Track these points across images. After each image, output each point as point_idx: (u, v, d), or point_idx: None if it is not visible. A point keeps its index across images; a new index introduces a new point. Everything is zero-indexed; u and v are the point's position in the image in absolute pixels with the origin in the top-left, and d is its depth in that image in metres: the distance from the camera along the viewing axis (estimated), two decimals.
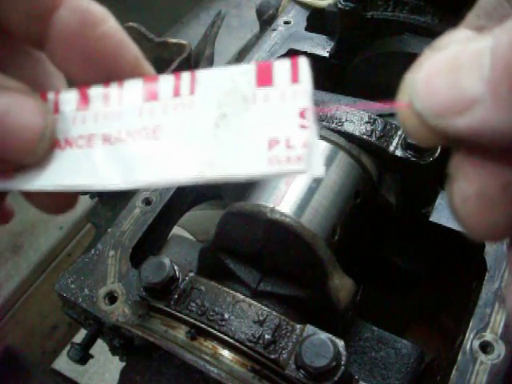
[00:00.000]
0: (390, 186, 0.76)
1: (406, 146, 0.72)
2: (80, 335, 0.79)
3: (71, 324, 1.60)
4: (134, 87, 0.35)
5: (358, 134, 0.74)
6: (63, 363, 1.62)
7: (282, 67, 0.33)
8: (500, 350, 0.63)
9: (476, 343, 0.64)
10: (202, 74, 0.34)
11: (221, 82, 0.33)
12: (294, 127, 0.31)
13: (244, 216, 0.66)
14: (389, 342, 0.72)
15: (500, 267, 0.69)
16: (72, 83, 0.38)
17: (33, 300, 1.81)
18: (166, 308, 0.63)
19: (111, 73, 0.37)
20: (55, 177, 0.35)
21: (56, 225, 1.95)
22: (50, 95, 0.37)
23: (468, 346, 0.63)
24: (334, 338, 0.56)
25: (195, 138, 0.33)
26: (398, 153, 0.73)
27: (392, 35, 0.96)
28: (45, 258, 1.87)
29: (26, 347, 1.73)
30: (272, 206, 0.65)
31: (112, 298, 0.74)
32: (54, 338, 1.79)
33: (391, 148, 0.73)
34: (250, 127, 0.32)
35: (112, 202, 0.94)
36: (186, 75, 0.35)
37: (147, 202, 0.84)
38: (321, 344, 0.55)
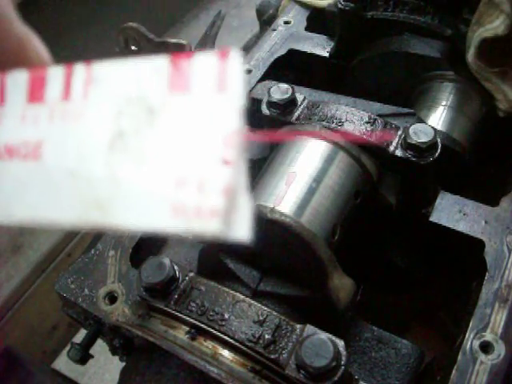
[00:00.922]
0: (390, 186, 0.76)
1: (406, 146, 0.72)
2: (80, 335, 0.79)
3: (71, 324, 1.59)
4: (17, 82, 0.28)
5: (358, 134, 0.74)
6: (63, 363, 1.62)
7: (205, 66, 0.24)
8: (500, 349, 0.63)
9: (476, 343, 0.64)
10: (101, 69, 0.26)
11: (123, 83, 0.26)
12: (213, 162, 0.22)
13: None
14: (389, 342, 0.72)
15: (500, 267, 0.69)
16: None
17: (33, 300, 1.80)
18: (165, 308, 0.63)
19: None
20: None
21: None
22: None
23: (468, 346, 0.63)
24: (334, 337, 0.56)
25: (83, 165, 0.25)
26: (398, 153, 0.73)
27: (392, 35, 0.96)
28: (45, 258, 1.87)
29: (26, 347, 1.73)
30: (272, 206, 0.65)
31: (112, 297, 0.74)
32: (53, 338, 1.78)
33: (391, 148, 0.73)
34: (153, 153, 0.24)
35: None
36: (80, 69, 0.27)
37: None
38: (321, 344, 0.55)
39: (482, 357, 0.63)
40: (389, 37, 0.96)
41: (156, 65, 0.25)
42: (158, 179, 0.23)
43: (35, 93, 0.27)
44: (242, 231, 0.22)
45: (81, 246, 1.89)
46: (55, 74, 0.27)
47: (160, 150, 0.24)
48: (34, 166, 0.26)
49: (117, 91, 0.26)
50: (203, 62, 0.24)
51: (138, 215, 0.23)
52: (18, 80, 0.28)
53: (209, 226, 0.21)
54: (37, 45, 0.30)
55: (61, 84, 0.27)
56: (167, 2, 2.61)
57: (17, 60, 0.29)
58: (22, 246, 1.91)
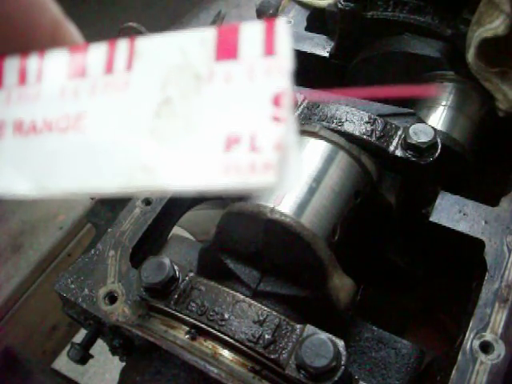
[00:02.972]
0: (390, 186, 0.76)
1: (406, 146, 0.72)
2: (80, 335, 0.79)
3: (71, 324, 1.59)
4: (57, 60, 0.28)
5: (357, 133, 0.74)
6: (63, 363, 1.62)
7: (252, 33, 0.24)
8: (500, 349, 0.63)
9: (476, 343, 0.64)
10: (145, 42, 0.27)
11: (167, 54, 0.26)
12: (264, 120, 0.23)
13: (244, 216, 0.66)
14: (389, 342, 0.72)
15: (500, 267, 0.69)
16: None
17: (33, 300, 1.80)
18: (165, 308, 0.63)
19: (22, 42, 0.29)
20: None
21: (56, 225, 1.95)
22: None
23: (468, 346, 0.63)
24: (334, 337, 0.56)
25: (128, 132, 0.25)
26: (398, 153, 0.73)
27: (392, 35, 0.96)
28: (45, 257, 1.87)
29: (26, 347, 1.73)
30: (272, 206, 0.65)
31: (112, 297, 0.74)
32: (53, 338, 1.78)
33: (391, 148, 0.73)
34: (201, 117, 0.24)
35: (112, 202, 0.94)
36: (123, 45, 0.27)
37: (147, 202, 0.84)
38: (321, 344, 0.55)
39: (481, 357, 0.63)
40: (389, 37, 0.96)
41: (201, 35, 0.25)
42: (207, 141, 0.24)
43: (75, 69, 0.27)
44: (294, 182, 0.23)
45: (81, 245, 1.89)
46: (97, 49, 0.27)
47: (209, 114, 0.24)
48: (76, 138, 0.26)
49: (162, 62, 0.26)
50: (249, 30, 0.24)
51: (188, 175, 0.24)
52: (56, 58, 0.28)
53: (263, 180, 0.22)
54: (70, 26, 0.31)
55: (103, 59, 0.27)
56: (167, 2, 2.61)
57: (52, 40, 0.30)
58: (22, 246, 1.91)
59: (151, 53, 0.26)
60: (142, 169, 0.25)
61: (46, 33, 0.30)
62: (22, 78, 0.28)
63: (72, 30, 0.31)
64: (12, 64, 0.28)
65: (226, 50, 0.24)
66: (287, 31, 0.24)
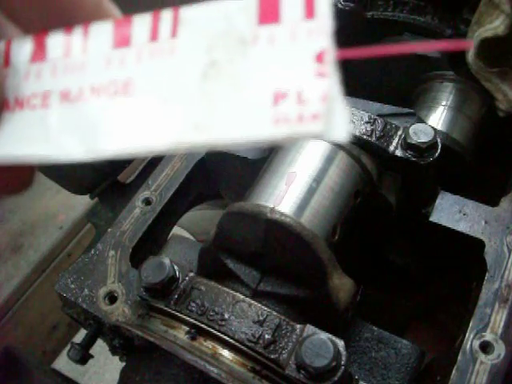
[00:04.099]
0: (389, 186, 0.76)
1: (406, 145, 0.72)
2: (80, 335, 0.79)
3: (71, 324, 1.60)
4: (101, 32, 0.29)
5: (358, 133, 0.74)
6: (63, 363, 1.62)
7: None
8: (500, 349, 0.63)
9: (476, 343, 0.64)
10: (188, 12, 0.27)
11: (212, 22, 0.27)
12: (309, 75, 0.24)
13: (244, 216, 0.66)
14: (389, 342, 0.72)
15: (500, 267, 0.69)
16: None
17: (33, 300, 1.81)
18: (165, 308, 0.63)
19: (66, 17, 0.31)
20: (3, 146, 0.29)
21: (56, 225, 1.95)
22: (1, 46, 0.30)
23: (468, 346, 0.63)
24: (334, 337, 0.56)
25: (177, 93, 0.26)
26: (398, 153, 0.73)
27: (392, 35, 0.96)
28: (45, 257, 1.87)
29: (26, 347, 1.73)
30: (272, 206, 0.65)
31: (112, 297, 0.74)
32: (53, 338, 1.79)
33: (391, 148, 0.73)
34: (248, 76, 0.25)
35: (112, 202, 0.94)
36: (167, 14, 0.28)
37: (147, 202, 0.84)
38: (321, 344, 0.55)
39: (481, 357, 0.63)
40: (389, 37, 0.96)
41: (243, 1, 0.26)
42: (256, 97, 0.25)
43: (120, 39, 0.28)
44: (341, 132, 0.24)
45: (81, 245, 1.89)
46: (141, 20, 0.28)
47: (255, 74, 0.25)
48: (125, 101, 0.27)
49: (206, 28, 0.27)
50: None
51: (239, 129, 0.25)
52: (100, 29, 0.29)
53: (311, 129, 0.23)
54: (110, 3, 0.32)
55: (147, 28, 0.28)
56: (167, 2, 2.61)
57: (95, 14, 0.30)
58: (22, 246, 1.91)
59: (195, 20, 0.27)
60: (193, 126, 0.26)
61: (89, 7, 0.31)
62: (67, 50, 0.29)
63: (113, 7, 0.32)
64: (56, 38, 0.29)
65: (268, 14, 0.26)
66: None
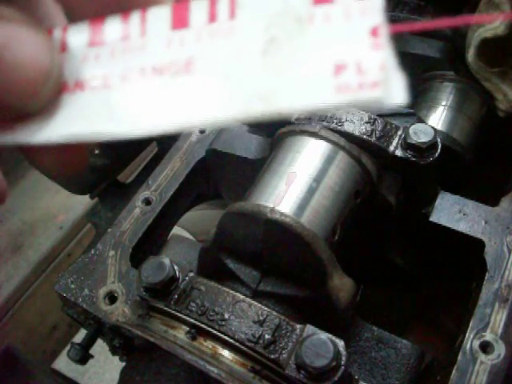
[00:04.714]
0: (389, 186, 0.76)
1: (406, 146, 0.72)
2: (80, 335, 0.79)
3: (71, 324, 1.60)
4: (159, 16, 0.30)
5: (357, 133, 0.74)
6: (63, 363, 1.62)
7: None
8: (500, 349, 0.63)
9: (476, 343, 0.64)
10: None
11: (268, 3, 0.28)
12: (366, 48, 0.26)
13: (244, 216, 0.66)
14: (389, 342, 0.72)
15: (500, 267, 0.69)
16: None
17: (33, 300, 1.80)
18: (165, 308, 0.63)
19: (122, 4, 0.31)
20: (64, 126, 0.29)
21: (56, 225, 1.95)
22: (57, 32, 0.31)
23: (468, 346, 0.63)
24: (334, 337, 0.56)
25: (239, 69, 0.27)
26: (398, 153, 0.73)
27: (392, 35, 0.96)
28: (45, 257, 1.87)
29: (26, 347, 1.73)
30: (272, 206, 0.65)
31: (112, 297, 0.74)
32: (53, 338, 1.78)
33: (391, 148, 0.73)
34: (308, 51, 0.26)
35: (112, 202, 0.94)
36: None
37: (147, 202, 0.84)
38: (321, 344, 0.55)
39: (481, 357, 0.63)
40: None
41: None
42: (317, 69, 0.26)
43: (179, 20, 0.29)
44: (400, 96, 0.25)
45: (81, 245, 1.89)
46: (198, 4, 0.29)
47: (314, 49, 0.26)
48: (187, 79, 0.28)
49: (264, 9, 0.28)
50: None
51: (302, 98, 0.26)
52: (159, 13, 0.30)
53: (372, 96, 0.25)
54: None
55: (205, 10, 0.29)
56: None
57: (150, 1, 0.31)
58: (22, 246, 1.91)
59: (252, 2, 0.28)
60: (257, 97, 0.27)
61: None
62: (126, 34, 0.30)
63: None
64: (114, 23, 0.30)
65: None
66: None
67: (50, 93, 0.29)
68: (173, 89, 0.28)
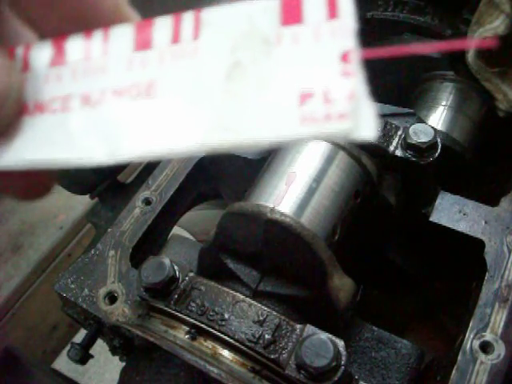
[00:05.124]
0: (389, 186, 0.76)
1: (406, 146, 0.72)
2: (80, 335, 0.79)
3: (71, 324, 1.60)
4: (121, 35, 0.29)
5: None
6: (63, 363, 1.62)
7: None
8: (500, 349, 0.63)
9: (476, 343, 0.64)
10: (210, 13, 0.27)
11: (234, 23, 0.26)
12: (334, 75, 0.24)
13: (244, 216, 0.66)
14: (389, 342, 0.72)
15: (500, 267, 0.69)
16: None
17: (33, 300, 1.80)
18: (165, 308, 0.63)
19: (83, 22, 0.30)
20: (23, 151, 0.28)
21: (56, 225, 1.95)
22: (19, 50, 0.30)
23: (468, 346, 0.63)
24: (334, 337, 0.56)
25: (201, 94, 0.26)
26: (398, 153, 0.73)
27: (392, 35, 0.96)
28: (45, 257, 1.87)
29: (26, 347, 1.73)
30: (272, 206, 0.65)
31: (112, 297, 0.74)
32: (53, 338, 1.79)
33: (391, 148, 0.73)
34: (273, 76, 0.25)
35: (112, 202, 0.94)
36: (188, 16, 0.28)
37: (147, 201, 0.84)
38: (321, 344, 0.55)
39: (482, 357, 0.63)
40: (389, 37, 0.96)
41: (266, 3, 0.26)
42: (282, 97, 0.25)
43: (141, 41, 0.28)
44: (369, 130, 0.23)
45: (81, 245, 1.89)
46: (162, 22, 0.28)
47: (280, 73, 0.25)
48: (148, 103, 0.27)
49: (229, 29, 0.26)
50: None
51: (266, 129, 0.25)
52: (121, 32, 0.29)
53: (339, 128, 0.23)
54: (128, 7, 0.32)
55: (169, 30, 0.28)
56: (167, 2, 2.61)
57: (113, 19, 0.30)
58: (22, 246, 1.91)
59: (217, 21, 0.27)
60: (219, 126, 0.25)
61: (107, 11, 0.31)
62: (87, 53, 0.29)
63: (131, 11, 0.32)
64: (76, 42, 0.29)
65: (291, 15, 0.25)
66: None
67: (8, 116, 0.28)
68: (133, 114, 0.27)
